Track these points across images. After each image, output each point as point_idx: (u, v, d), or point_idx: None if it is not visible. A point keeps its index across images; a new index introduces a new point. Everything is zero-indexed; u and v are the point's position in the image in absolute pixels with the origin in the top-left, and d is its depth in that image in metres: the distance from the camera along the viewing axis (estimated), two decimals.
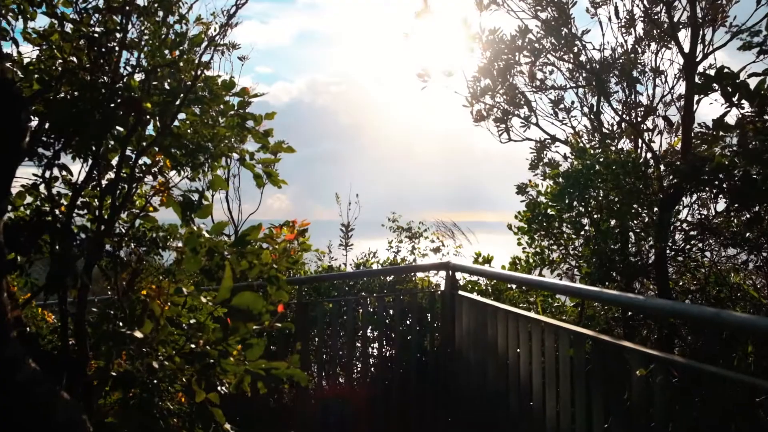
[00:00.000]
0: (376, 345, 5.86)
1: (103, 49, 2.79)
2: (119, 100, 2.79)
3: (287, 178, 3.39)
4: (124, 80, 2.80)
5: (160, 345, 2.43)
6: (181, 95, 3.14)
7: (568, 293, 3.63)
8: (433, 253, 6.61)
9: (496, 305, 4.24)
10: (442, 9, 6.29)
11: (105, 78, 2.77)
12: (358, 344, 5.90)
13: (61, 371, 2.45)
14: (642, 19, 5.86)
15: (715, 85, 3.64)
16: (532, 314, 3.79)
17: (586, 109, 6.54)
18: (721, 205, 5.78)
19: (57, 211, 2.71)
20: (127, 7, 2.79)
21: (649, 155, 5.44)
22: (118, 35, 2.86)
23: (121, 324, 2.64)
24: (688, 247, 5.78)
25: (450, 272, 4.99)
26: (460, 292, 4.87)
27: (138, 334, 2.36)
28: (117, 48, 2.80)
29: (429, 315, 5.64)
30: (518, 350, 3.93)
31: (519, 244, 6.33)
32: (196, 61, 3.32)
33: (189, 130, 3.55)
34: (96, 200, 2.82)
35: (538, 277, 3.78)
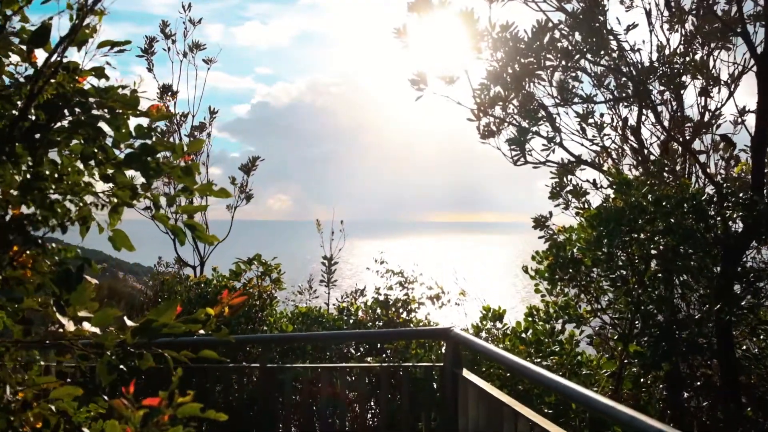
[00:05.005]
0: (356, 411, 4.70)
1: None
2: None
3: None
4: None
5: None
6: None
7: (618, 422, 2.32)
8: (431, 303, 5.39)
9: (517, 409, 3.03)
10: (443, 0, 5.07)
11: None
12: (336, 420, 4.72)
13: None
14: (694, 12, 4.64)
15: None
16: None
17: (617, 123, 5.32)
18: None
19: None
20: None
21: (709, 187, 4.22)
22: None
23: None
24: (752, 299, 4.58)
25: (452, 343, 3.79)
26: (465, 374, 3.66)
27: None
28: None
29: (426, 382, 4.46)
30: None
31: (537, 291, 5.12)
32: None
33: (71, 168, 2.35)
34: None
35: (575, 385, 2.58)
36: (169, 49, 7.70)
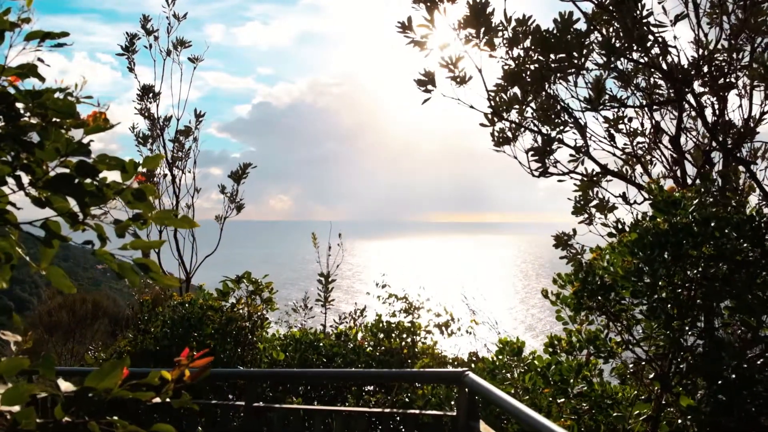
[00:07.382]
0: None
1: None
2: None
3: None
4: None
5: None
6: None
7: None
8: (440, 331, 4.81)
9: None
10: None
11: None
12: None
13: None
14: (741, 2, 4.06)
15: None
16: None
17: (649, 129, 4.74)
18: None
19: None
20: None
21: (754, 194, 3.64)
22: None
23: None
24: None
25: (466, 391, 3.22)
26: (483, 429, 3.08)
27: None
28: None
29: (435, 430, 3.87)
30: None
31: (559, 318, 4.54)
32: None
33: None
34: None
35: None
36: (150, 46, 7.06)
